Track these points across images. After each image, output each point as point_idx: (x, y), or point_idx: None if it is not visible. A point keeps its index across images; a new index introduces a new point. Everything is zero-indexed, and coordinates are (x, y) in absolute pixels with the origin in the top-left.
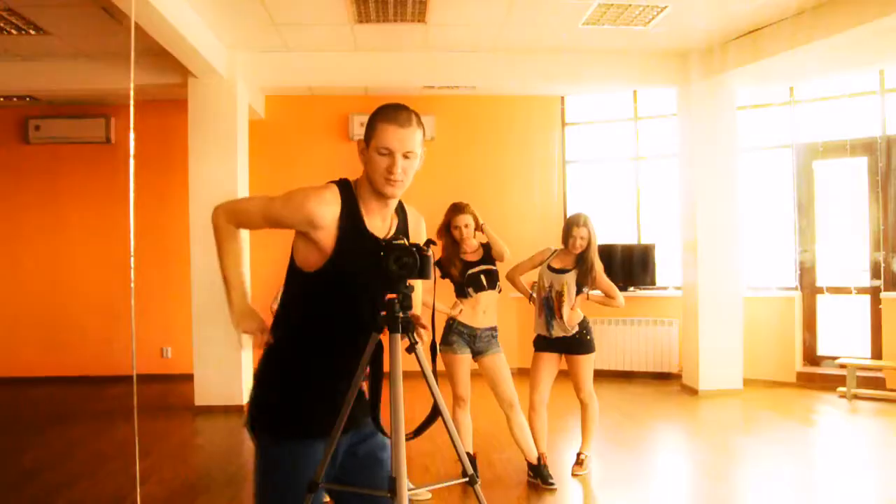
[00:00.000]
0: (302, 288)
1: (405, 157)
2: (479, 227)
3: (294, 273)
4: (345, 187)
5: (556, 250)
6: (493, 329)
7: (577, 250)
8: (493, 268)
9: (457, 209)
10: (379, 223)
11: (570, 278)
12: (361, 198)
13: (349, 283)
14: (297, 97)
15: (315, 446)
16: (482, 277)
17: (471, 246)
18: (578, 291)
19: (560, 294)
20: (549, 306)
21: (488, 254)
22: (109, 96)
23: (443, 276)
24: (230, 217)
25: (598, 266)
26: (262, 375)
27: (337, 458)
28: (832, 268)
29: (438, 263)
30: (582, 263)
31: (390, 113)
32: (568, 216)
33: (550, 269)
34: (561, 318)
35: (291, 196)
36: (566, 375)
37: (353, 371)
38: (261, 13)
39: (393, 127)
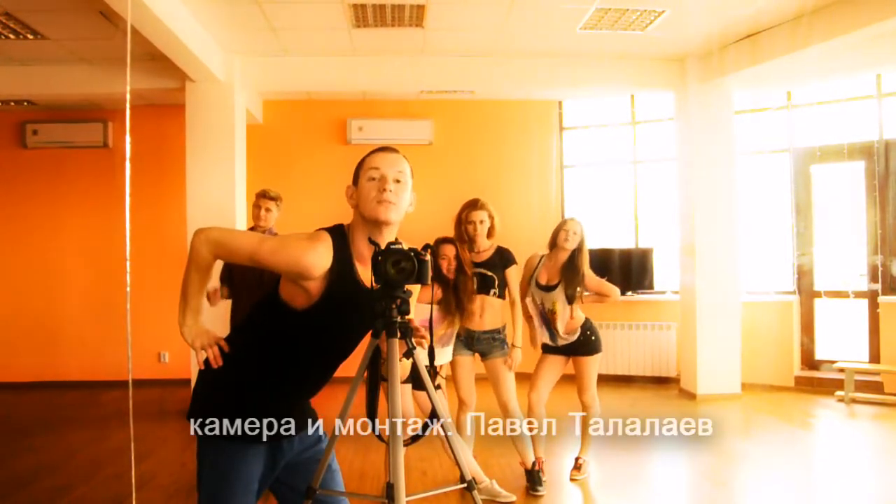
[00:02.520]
0: (279, 319)
1: (396, 180)
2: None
3: (276, 302)
4: (338, 235)
5: (542, 256)
6: (496, 332)
7: (569, 245)
8: (491, 274)
9: (473, 204)
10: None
11: (559, 296)
12: (354, 244)
13: (328, 329)
14: (295, 101)
15: (255, 450)
16: (474, 280)
17: (482, 246)
18: (570, 301)
19: (552, 311)
20: (546, 321)
21: (498, 258)
22: (107, 101)
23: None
24: (213, 247)
25: (586, 271)
26: (215, 378)
27: (280, 463)
28: (830, 272)
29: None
30: (568, 271)
31: (376, 149)
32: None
33: (538, 286)
34: (558, 332)
35: (284, 245)
36: (565, 380)
37: (305, 392)
38: (259, 17)
39: (380, 153)
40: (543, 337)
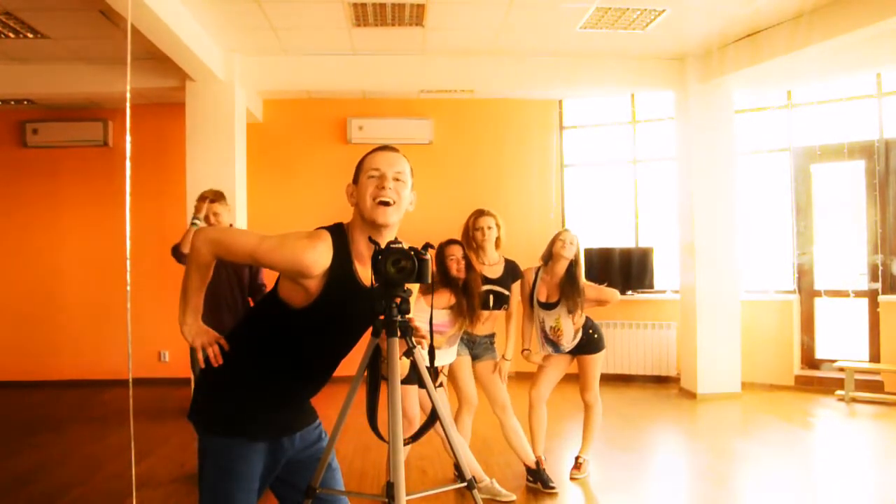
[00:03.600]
0: (279, 318)
1: (396, 179)
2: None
3: (275, 300)
4: (338, 234)
5: (537, 270)
6: (492, 335)
7: (566, 252)
8: (506, 292)
9: (480, 211)
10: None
11: (562, 313)
12: (354, 243)
13: (327, 327)
14: (295, 100)
15: (255, 448)
16: (490, 298)
17: (491, 258)
18: (571, 313)
19: (555, 329)
20: (550, 339)
21: (508, 272)
22: (107, 100)
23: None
24: (213, 247)
25: (583, 284)
26: (215, 376)
27: (280, 461)
28: (830, 271)
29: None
30: (567, 286)
31: (376, 148)
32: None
33: (539, 303)
34: (562, 346)
35: (283, 243)
36: (565, 378)
37: (304, 390)
38: (259, 17)
39: (381, 153)
40: (546, 350)
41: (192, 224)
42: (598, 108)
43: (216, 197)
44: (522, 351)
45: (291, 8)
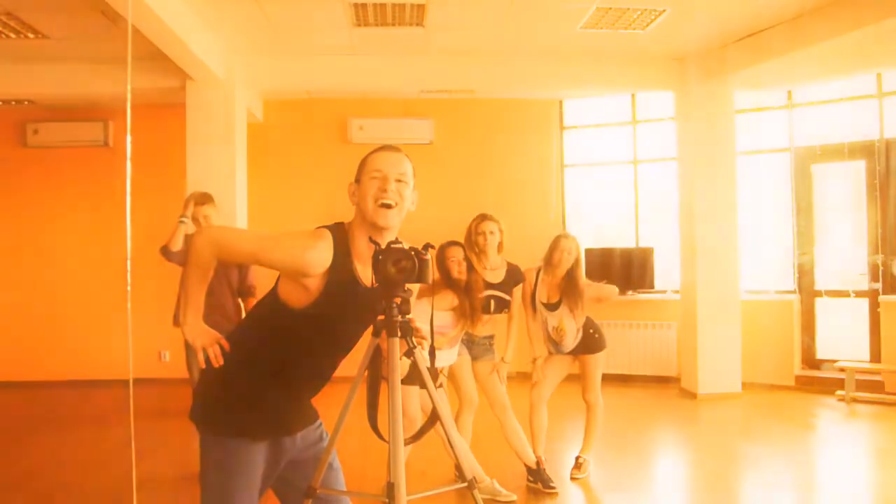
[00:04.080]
0: (279, 317)
1: (398, 180)
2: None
3: (275, 300)
4: (339, 233)
5: (538, 271)
6: (491, 336)
7: (565, 265)
8: (507, 297)
9: (483, 216)
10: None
11: (565, 314)
12: (354, 243)
13: (327, 327)
14: (296, 100)
15: (256, 448)
16: (491, 303)
17: (493, 262)
18: (571, 311)
19: (558, 329)
20: (552, 339)
21: (510, 277)
22: (108, 100)
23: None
24: (214, 247)
25: (583, 284)
26: (216, 377)
27: (282, 461)
28: (831, 271)
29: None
30: (568, 288)
31: (379, 147)
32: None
33: (542, 305)
34: (565, 346)
35: (284, 242)
36: (568, 380)
37: (305, 390)
38: (259, 17)
39: (383, 153)
40: (553, 349)
41: (181, 222)
42: (598, 108)
43: (203, 200)
44: (534, 360)
45: (291, 8)
